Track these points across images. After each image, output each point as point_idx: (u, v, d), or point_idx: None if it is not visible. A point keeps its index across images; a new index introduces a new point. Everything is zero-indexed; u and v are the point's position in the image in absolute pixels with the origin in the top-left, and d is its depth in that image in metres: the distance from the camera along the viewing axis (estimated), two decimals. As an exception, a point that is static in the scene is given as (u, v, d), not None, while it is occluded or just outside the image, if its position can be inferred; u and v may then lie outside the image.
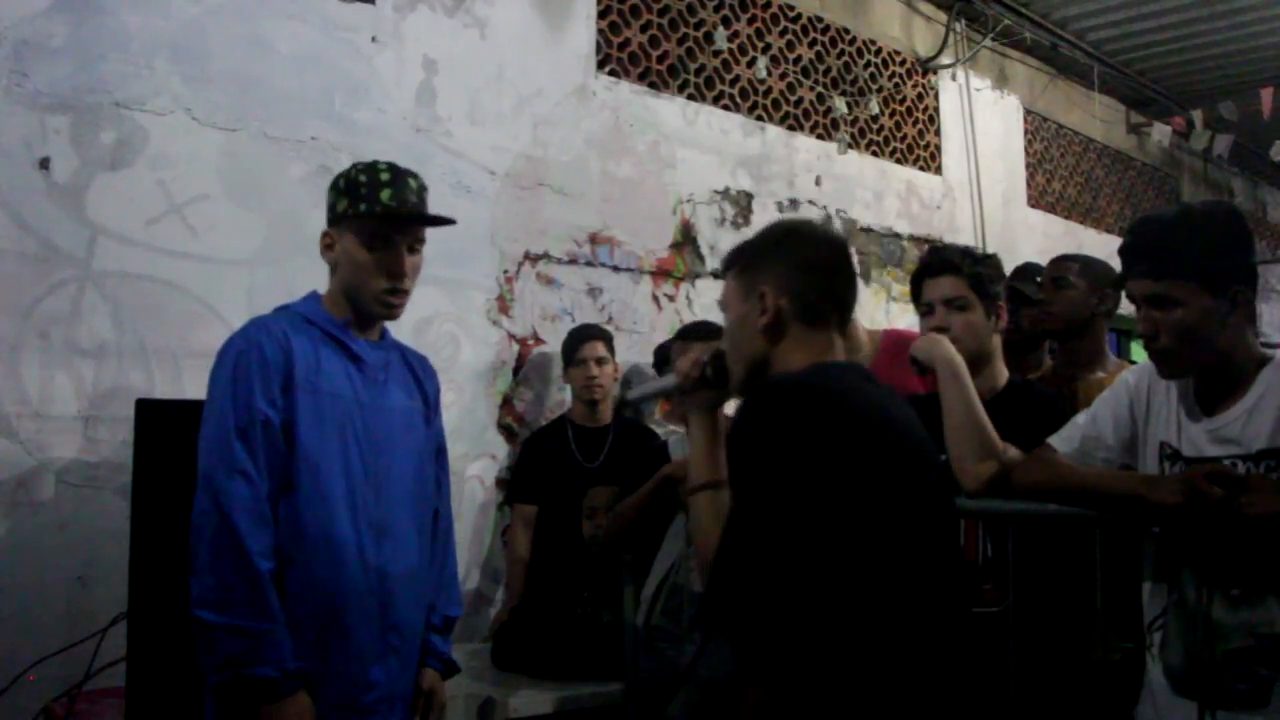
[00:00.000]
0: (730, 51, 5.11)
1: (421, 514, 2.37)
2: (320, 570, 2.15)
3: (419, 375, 2.46)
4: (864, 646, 1.54)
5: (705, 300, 4.84)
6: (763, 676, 1.56)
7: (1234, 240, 2.06)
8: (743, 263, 1.85)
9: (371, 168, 2.30)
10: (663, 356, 3.91)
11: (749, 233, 5.08)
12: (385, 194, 2.26)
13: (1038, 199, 7.23)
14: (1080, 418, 2.31)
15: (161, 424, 2.51)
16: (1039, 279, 3.45)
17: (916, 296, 2.67)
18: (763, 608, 1.54)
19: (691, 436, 1.92)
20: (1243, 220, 2.10)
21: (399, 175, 2.30)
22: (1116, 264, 3.40)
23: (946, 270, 2.61)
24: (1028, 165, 7.15)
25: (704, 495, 1.84)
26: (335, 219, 2.30)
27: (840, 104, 5.57)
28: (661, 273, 4.71)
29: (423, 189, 2.35)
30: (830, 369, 1.74)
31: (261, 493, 2.11)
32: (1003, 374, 2.68)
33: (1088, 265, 3.28)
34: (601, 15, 4.61)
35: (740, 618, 1.56)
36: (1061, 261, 3.34)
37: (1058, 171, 7.51)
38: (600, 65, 4.58)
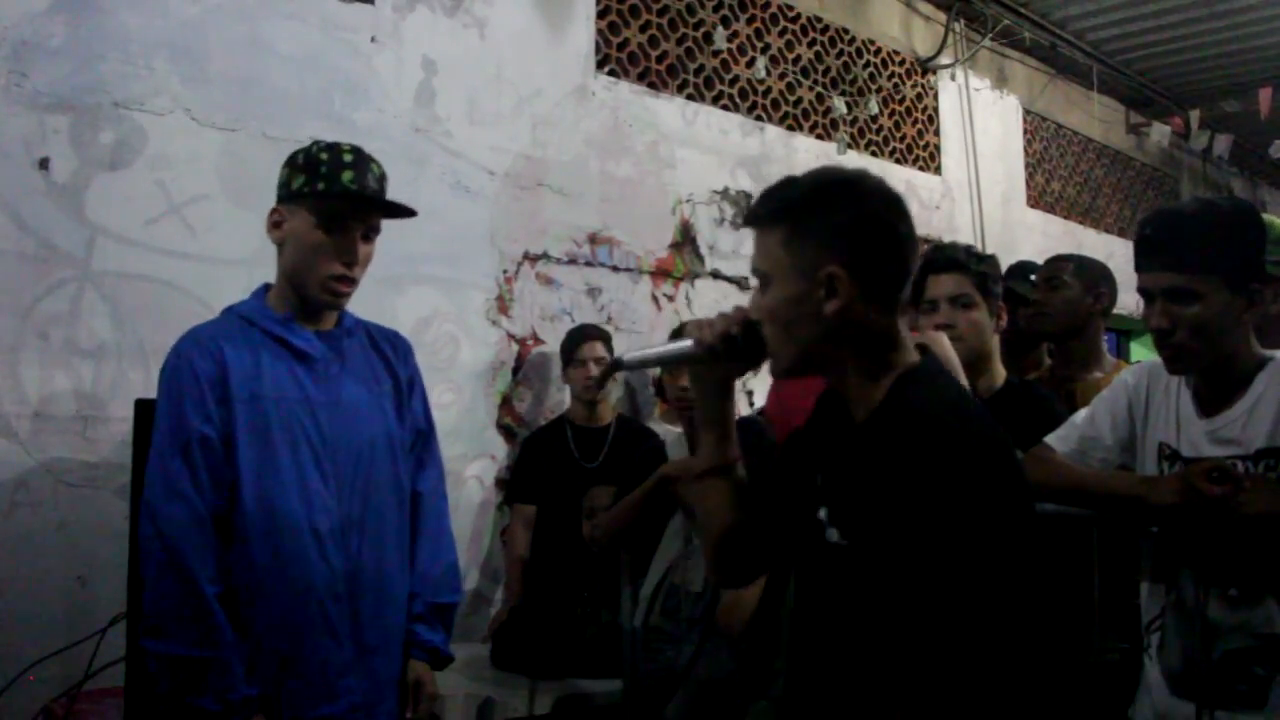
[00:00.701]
0: (729, 51, 5.11)
1: (396, 504, 2.28)
2: (275, 585, 2.09)
3: (388, 356, 2.35)
4: (1010, 674, 1.39)
5: (705, 300, 4.84)
6: (908, 702, 1.39)
7: (1254, 236, 2.05)
8: (790, 220, 1.52)
9: (334, 147, 2.21)
10: None
11: (748, 233, 5.08)
12: (347, 175, 2.17)
13: (1037, 199, 7.23)
14: (1078, 417, 2.31)
15: (161, 424, 2.50)
16: (1033, 278, 3.45)
17: (918, 293, 2.65)
18: (959, 652, 1.35)
19: (701, 413, 1.71)
20: (1259, 216, 2.10)
21: (362, 159, 2.21)
22: (1115, 263, 3.43)
23: (952, 268, 2.60)
24: (1027, 165, 7.15)
25: (716, 480, 1.70)
26: (288, 195, 2.19)
27: (839, 104, 5.57)
28: (661, 273, 4.71)
29: (383, 177, 2.25)
30: (937, 385, 1.53)
31: (203, 514, 2.05)
32: (1000, 374, 2.68)
33: (1082, 265, 3.28)
34: (601, 15, 4.61)
35: (933, 659, 1.36)
36: (1056, 262, 3.34)
37: (1057, 171, 7.51)
38: (599, 65, 4.58)
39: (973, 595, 1.35)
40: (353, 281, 2.22)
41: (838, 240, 1.48)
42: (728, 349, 1.60)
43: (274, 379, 2.15)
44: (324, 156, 2.18)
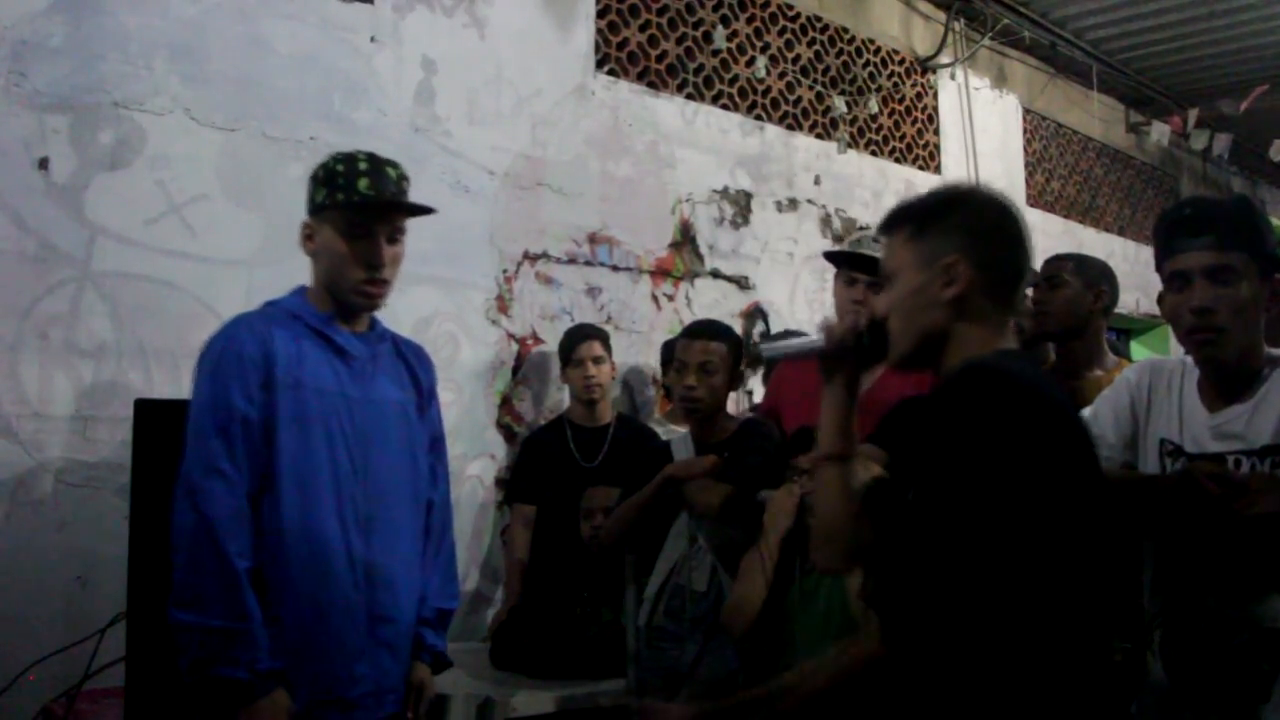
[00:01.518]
0: (729, 51, 5.11)
1: (414, 507, 2.37)
2: (303, 567, 2.15)
3: (413, 365, 2.44)
4: (1052, 644, 1.46)
5: (704, 299, 4.84)
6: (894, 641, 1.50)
7: (1271, 232, 2.07)
8: (915, 224, 1.70)
9: (350, 158, 2.29)
10: (668, 355, 3.90)
11: (748, 232, 5.14)
12: (363, 183, 2.25)
13: (1037, 198, 7.23)
14: (1081, 415, 2.30)
15: (160, 424, 2.50)
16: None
17: None
18: (941, 589, 1.46)
19: (826, 403, 1.81)
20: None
21: (377, 164, 2.29)
22: (1114, 262, 3.43)
23: None
24: (1026, 164, 7.15)
25: (831, 467, 1.77)
26: (314, 209, 2.29)
27: (839, 103, 5.57)
28: (660, 272, 4.70)
29: (403, 178, 2.33)
30: (1017, 357, 1.66)
31: (240, 491, 2.11)
32: None
33: (1082, 263, 3.28)
34: (600, 15, 4.61)
35: (922, 589, 1.48)
36: (1056, 261, 3.34)
37: (1057, 170, 7.51)
38: (599, 65, 4.58)
39: (1015, 537, 1.42)
40: (384, 283, 2.31)
41: (957, 234, 1.65)
42: (856, 344, 1.75)
43: (315, 370, 2.23)
44: (340, 168, 2.27)
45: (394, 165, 2.33)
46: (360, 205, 2.26)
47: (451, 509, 2.56)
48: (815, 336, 1.84)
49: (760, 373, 4.48)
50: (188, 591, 2.06)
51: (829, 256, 3.23)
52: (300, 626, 2.15)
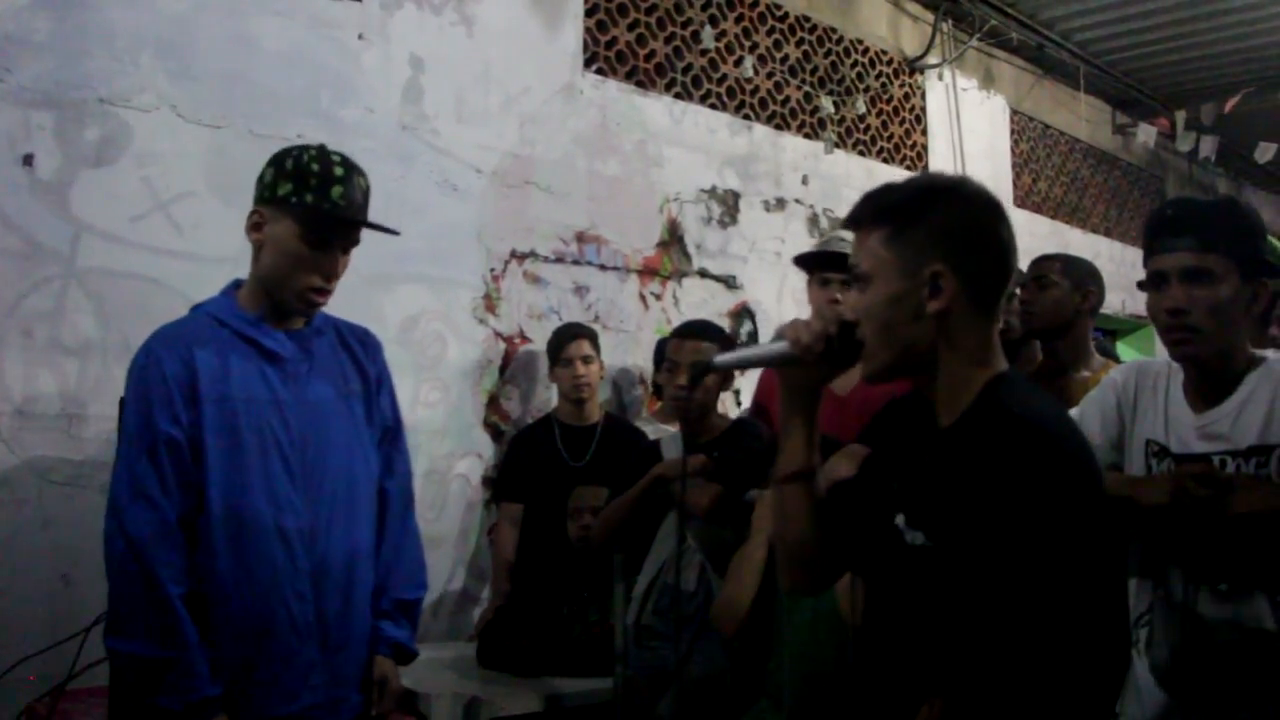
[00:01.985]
0: (717, 50, 5.11)
1: (366, 505, 2.29)
2: (242, 586, 2.09)
3: (357, 354, 2.34)
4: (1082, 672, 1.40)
5: (692, 299, 4.84)
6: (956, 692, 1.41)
7: (1261, 234, 2.09)
8: (893, 221, 1.54)
9: (324, 157, 2.19)
10: (661, 353, 3.91)
11: (735, 232, 5.14)
12: (336, 191, 2.16)
13: (1024, 199, 7.25)
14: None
15: (146, 422, 2.49)
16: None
17: None
18: (1041, 650, 1.36)
19: (788, 416, 1.67)
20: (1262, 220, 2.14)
21: (351, 173, 2.20)
22: (1101, 263, 3.44)
23: None
24: (1014, 165, 7.16)
25: (795, 485, 1.66)
26: (273, 199, 2.17)
27: (827, 103, 5.57)
28: (648, 271, 4.70)
29: (368, 190, 2.25)
30: (1032, 393, 1.55)
31: (169, 515, 2.05)
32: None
33: (1069, 263, 3.29)
34: (589, 14, 4.60)
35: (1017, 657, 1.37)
36: (1043, 261, 3.35)
37: (1044, 171, 7.53)
38: (587, 64, 4.58)
39: (1059, 596, 1.36)
40: (328, 293, 2.22)
41: (941, 238, 1.51)
42: (825, 351, 1.58)
43: (243, 380, 2.14)
44: (315, 167, 2.17)
45: (363, 175, 2.24)
46: (330, 217, 2.16)
47: (412, 495, 2.47)
48: (773, 343, 1.67)
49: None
50: (119, 618, 2.02)
51: (798, 261, 3.18)
52: (241, 647, 2.09)
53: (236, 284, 2.27)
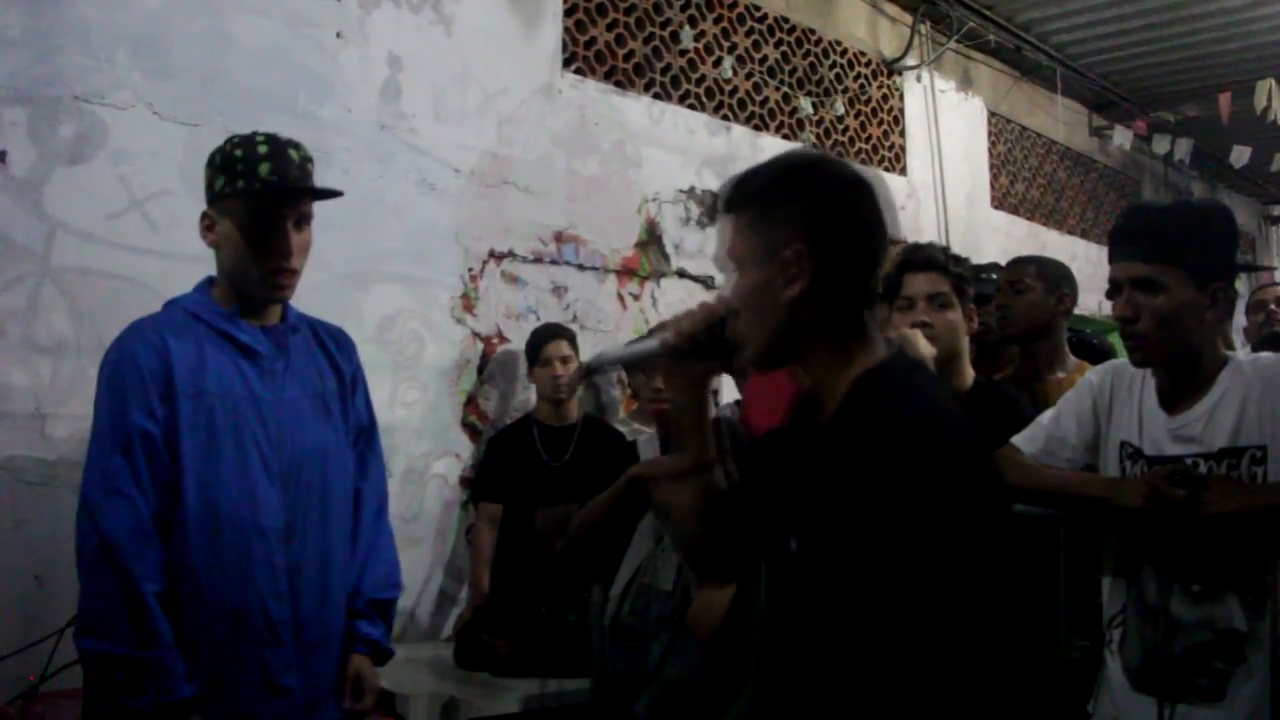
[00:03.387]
0: (696, 51, 5.12)
1: (341, 504, 2.27)
2: (218, 584, 2.07)
3: (332, 353, 2.32)
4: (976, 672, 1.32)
5: (670, 299, 4.84)
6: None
7: (1224, 237, 2.11)
8: (757, 204, 1.48)
9: (248, 140, 2.17)
10: None
11: (713, 233, 5.12)
12: (264, 168, 2.13)
13: (1001, 200, 7.29)
14: (1044, 418, 2.33)
15: (120, 422, 2.47)
16: (994, 277, 3.48)
17: (893, 290, 2.64)
18: (915, 656, 1.28)
19: (677, 410, 1.65)
20: (1234, 221, 2.15)
21: (279, 146, 2.17)
22: (1077, 265, 3.46)
23: (929, 266, 2.62)
24: (991, 167, 7.20)
25: (690, 481, 1.61)
26: (213, 198, 2.17)
27: (805, 104, 5.59)
28: (626, 271, 4.70)
29: (306, 160, 2.21)
30: (906, 380, 1.46)
31: (143, 512, 2.02)
32: (970, 375, 2.70)
33: (1044, 266, 3.30)
34: (568, 14, 4.60)
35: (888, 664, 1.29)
36: (1017, 265, 3.37)
37: (1021, 173, 7.57)
38: (566, 64, 4.57)
39: (931, 605, 1.28)
40: (293, 272, 2.19)
41: (801, 221, 1.44)
42: (694, 347, 1.53)
43: (219, 375, 2.12)
44: (239, 153, 2.15)
45: (296, 146, 2.20)
46: (261, 193, 2.13)
47: (387, 498, 2.46)
48: (650, 340, 1.61)
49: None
50: (92, 618, 1.99)
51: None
52: (216, 647, 2.07)
53: (210, 280, 2.26)
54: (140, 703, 1.96)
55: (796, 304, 1.43)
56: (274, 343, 2.22)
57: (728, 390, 4.30)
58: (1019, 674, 1.39)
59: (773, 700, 1.51)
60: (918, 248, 2.73)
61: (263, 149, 2.14)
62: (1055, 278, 3.25)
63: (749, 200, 1.49)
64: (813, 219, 1.44)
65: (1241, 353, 2.16)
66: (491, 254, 4.20)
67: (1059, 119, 7.70)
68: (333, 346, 2.34)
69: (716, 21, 5.26)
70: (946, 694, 1.29)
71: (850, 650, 1.32)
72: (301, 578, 2.16)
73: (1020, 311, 3.23)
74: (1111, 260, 2.13)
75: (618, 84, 4.77)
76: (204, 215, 2.20)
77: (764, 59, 5.51)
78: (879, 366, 1.46)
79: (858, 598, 1.31)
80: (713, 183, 5.12)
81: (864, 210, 1.48)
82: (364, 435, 2.39)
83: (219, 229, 2.17)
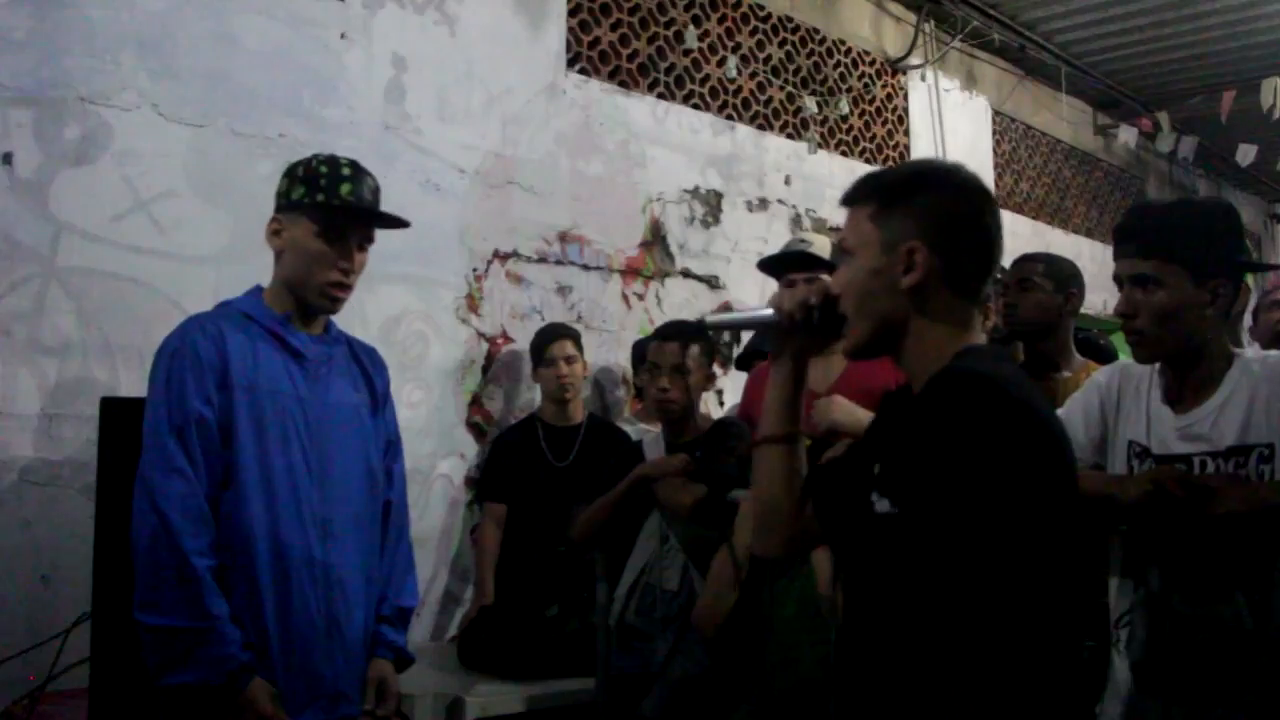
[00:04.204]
0: (700, 51, 5.11)
1: (370, 509, 2.37)
2: (264, 568, 2.15)
3: (367, 368, 2.44)
4: (1058, 655, 1.42)
5: (675, 299, 4.84)
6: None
7: (1225, 235, 2.10)
8: (881, 199, 1.58)
9: (333, 160, 2.31)
10: (640, 354, 3.90)
11: (718, 232, 5.14)
12: (345, 188, 2.27)
13: (1006, 199, 7.28)
14: (1052, 418, 2.32)
15: (126, 422, 2.47)
16: (999, 276, 3.46)
17: None
18: (932, 603, 1.39)
19: (772, 381, 1.74)
20: (1238, 219, 2.14)
21: (359, 172, 2.32)
22: (1082, 264, 3.45)
23: None
24: (996, 166, 7.19)
25: (775, 448, 1.71)
26: (288, 205, 2.29)
27: (810, 104, 5.58)
28: (631, 271, 4.70)
29: (377, 190, 2.36)
30: (1002, 360, 1.58)
31: (199, 491, 2.10)
32: None
33: (1052, 264, 3.28)
34: (572, 14, 4.60)
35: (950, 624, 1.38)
36: (1025, 263, 3.34)
37: (1025, 172, 7.56)
38: (570, 64, 4.57)
39: (1004, 551, 1.37)
40: (349, 288, 2.32)
41: (923, 218, 1.54)
42: (805, 320, 1.65)
43: (270, 372, 2.23)
44: (323, 169, 2.29)
45: (371, 176, 2.35)
46: (341, 209, 2.27)
47: (408, 509, 2.56)
48: (766, 309, 1.72)
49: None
50: (149, 593, 2.06)
51: (762, 267, 3.21)
52: (262, 628, 2.14)
53: (259, 289, 2.35)
54: (201, 674, 2.03)
55: (911, 294, 1.54)
56: (319, 351, 2.33)
57: (731, 391, 4.30)
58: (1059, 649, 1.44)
59: (856, 661, 1.56)
60: None
61: (345, 171, 2.30)
62: (1064, 276, 3.23)
63: (871, 194, 1.60)
64: (935, 219, 1.55)
65: (1250, 351, 2.15)
66: (496, 254, 4.21)
67: (1064, 118, 7.69)
68: (367, 363, 2.46)
69: (720, 21, 5.26)
70: (1011, 637, 1.37)
71: (932, 593, 1.41)
72: (334, 575, 2.24)
73: (1027, 309, 3.20)
74: (1115, 258, 2.14)
75: (622, 84, 4.77)
76: (273, 220, 2.31)
77: (768, 58, 5.51)
78: (972, 346, 1.56)
79: (942, 547, 1.39)
80: (717, 182, 5.12)
81: (984, 218, 1.58)
82: (392, 448, 2.50)
83: (286, 235, 2.29)
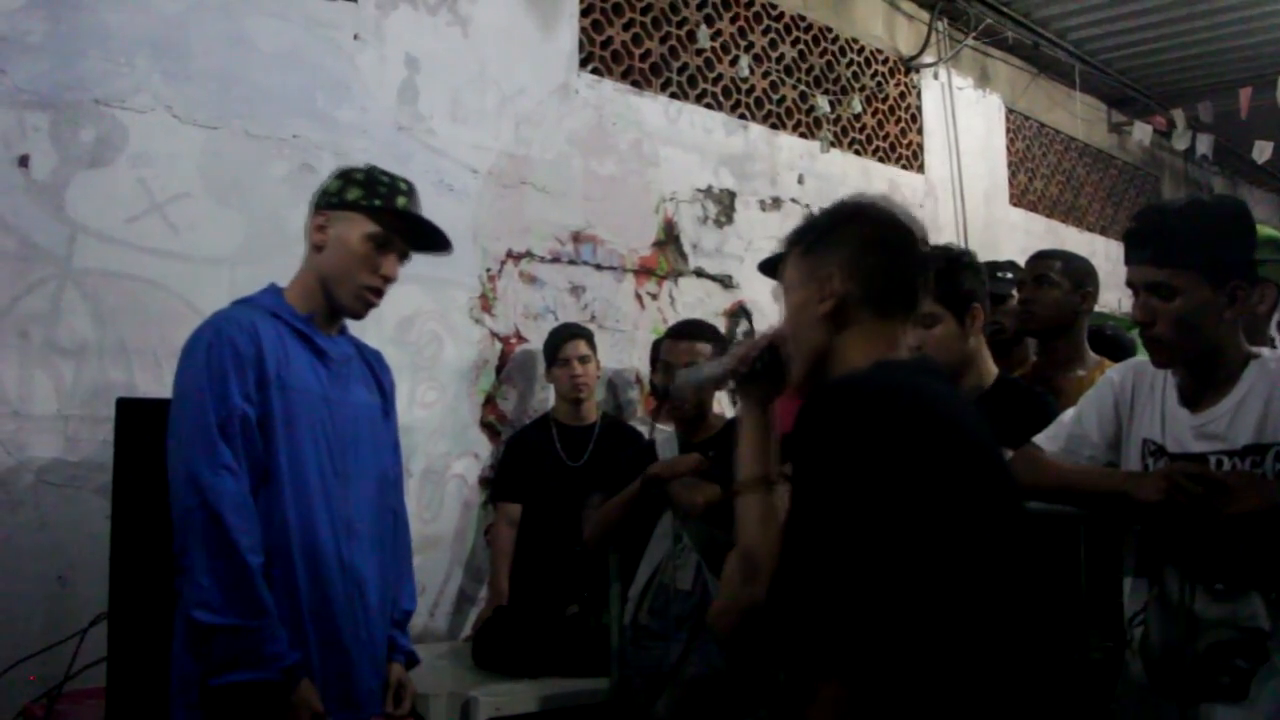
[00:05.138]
0: (713, 50, 5.11)
1: (383, 510, 2.38)
2: (303, 567, 2.16)
3: (375, 371, 2.45)
4: (945, 645, 1.40)
5: (688, 298, 4.84)
6: (843, 672, 1.41)
7: (1239, 235, 2.07)
8: (807, 241, 1.69)
9: (393, 176, 2.36)
10: (656, 355, 3.91)
11: (731, 231, 5.14)
12: (401, 201, 2.31)
13: (1019, 198, 7.26)
14: (1066, 416, 2.32)
15: (142, 423, 2.49)
16: (1000, 274, 3.46)
17: None
18: (841, 607, 1.39)
19: (741, 430, 1.77)
20: (1250, 217, 2.12)
21: (413, 191, 2.36)
22: (1097, 262, 3.44)
23: None
24: (1009, 164, 7.17)
25: (751, 496, 1.70)
26: (340, 204, 2.29)
27: (823, 103, 5.57)
28: (644, 271, 4.70)
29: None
30: (894, 366, 1.59)
31: (246, 488, 2.10)
32: (990, 372, 2.68)
33: (1069, 263, 3.27)
34: (584, 13, 4.60)
35: (817, 616, 1.41)
36: (1043, 259, 3.32)
37: (1039, 170, 7.53)
38: (583, 63, 4.58)
39: (876, 557, 1.38)
40: (382, 296, 2.35)
41: (839, 248, 1.64)
42: (751, 371, 1.73)
43: (300, 371, 2.23)
44: (384, 179, 2.34)
45: (419, 199, 2.39)
46: (401, 214, 2.30)
47: (407, 514, 2.57)
48: (718, 363, 1.82)
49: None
50: (205, 592, 2.03)
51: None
52: (301, 628, 2.15)
53: (275, 288, 2.35)
54: (259, 673, 2.03)
55: (830, 319, 1.62)
56: (340, 351, 2.35)
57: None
58: (1007, 669, 1.43)
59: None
60: None
61: (403, 186, 2.34)
62: (1080, 274, 3.22)
63: (803, 235, 1.71)
64: (850, 246, 1.64)
65: (1267, 350, 2.13)
66: (509, 254, 4.21)
67: (1077, 115, 7.66)
68: (375, 365, 2.47)
69: (733, 20, 5.25)
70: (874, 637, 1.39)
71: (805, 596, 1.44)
72: (357, 576, 2.26)
73: (1044, 306, 3.19)
74: (1126, 263, 2.12)
75: (634, 84, 4.77)
76: (319, 214, 2.31)
77: (781, 57, 5.51)
78: (882, 361, 1.59)
79: (803, 546, 1.45)
80: (730, 182, 5.12)
81: (896, 238, 1.67)
82: (395, 450, 2.52)
83: (332, 232, 2.29)
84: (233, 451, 2.09)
